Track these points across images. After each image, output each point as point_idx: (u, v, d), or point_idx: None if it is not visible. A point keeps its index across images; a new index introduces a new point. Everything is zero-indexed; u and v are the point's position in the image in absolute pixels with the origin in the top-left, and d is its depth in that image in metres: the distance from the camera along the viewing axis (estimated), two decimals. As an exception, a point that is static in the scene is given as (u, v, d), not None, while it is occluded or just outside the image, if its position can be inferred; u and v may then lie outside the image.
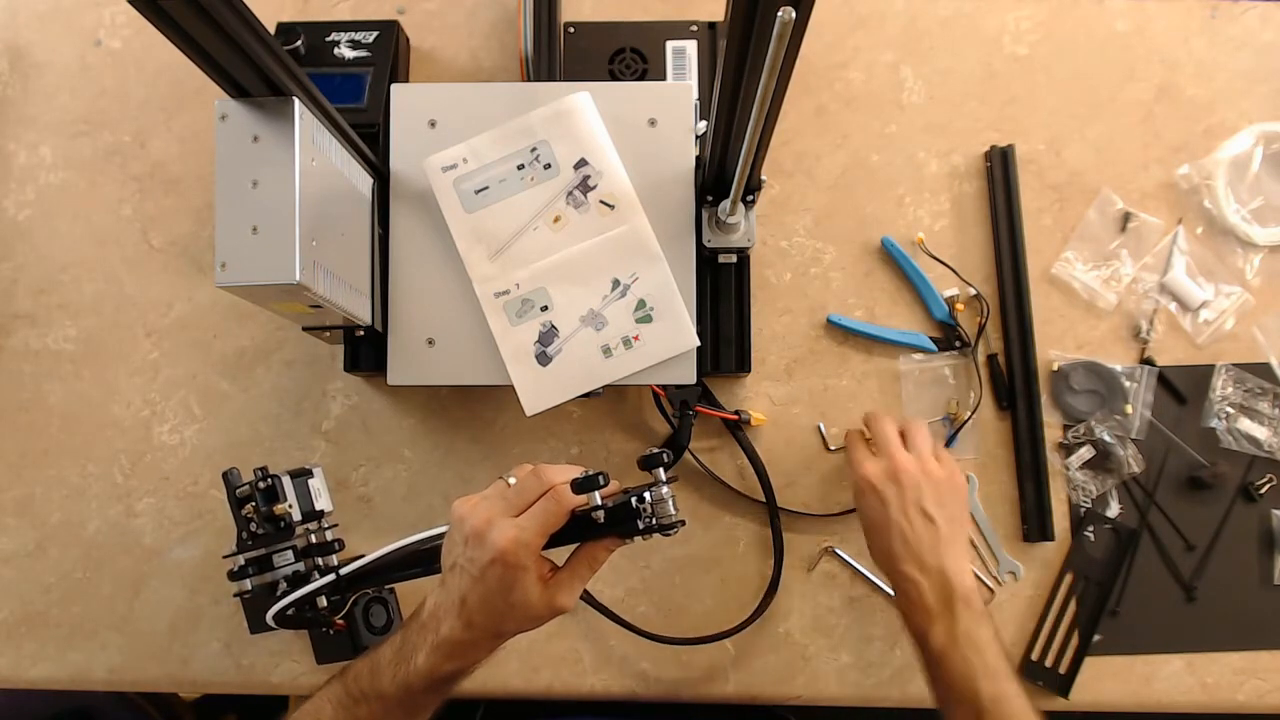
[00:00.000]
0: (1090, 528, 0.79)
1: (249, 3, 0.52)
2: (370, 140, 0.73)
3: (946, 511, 0.66)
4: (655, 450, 0.55)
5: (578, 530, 0.56)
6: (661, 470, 0.55)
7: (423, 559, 0.63)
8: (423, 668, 0.55)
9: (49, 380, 0.83)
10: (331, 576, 0.66)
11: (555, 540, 0.56)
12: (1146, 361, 0.81)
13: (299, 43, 0.79)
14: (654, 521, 0.54)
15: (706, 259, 0.75)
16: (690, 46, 0.84)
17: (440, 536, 0.60)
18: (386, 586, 0.76)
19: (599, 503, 0.55)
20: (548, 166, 0.73)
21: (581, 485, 0.54)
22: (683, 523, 0.55)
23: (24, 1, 0.88)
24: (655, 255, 0.73)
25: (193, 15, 0.49)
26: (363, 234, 0.71)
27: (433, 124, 0.74)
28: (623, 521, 0.55)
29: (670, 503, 0.54)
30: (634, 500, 0.54)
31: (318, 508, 0.70)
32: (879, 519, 0.67)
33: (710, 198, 0.73)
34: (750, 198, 0.72)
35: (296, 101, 0.58)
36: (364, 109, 0.77)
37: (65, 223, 0.85)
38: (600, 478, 0.54)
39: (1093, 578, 0.78)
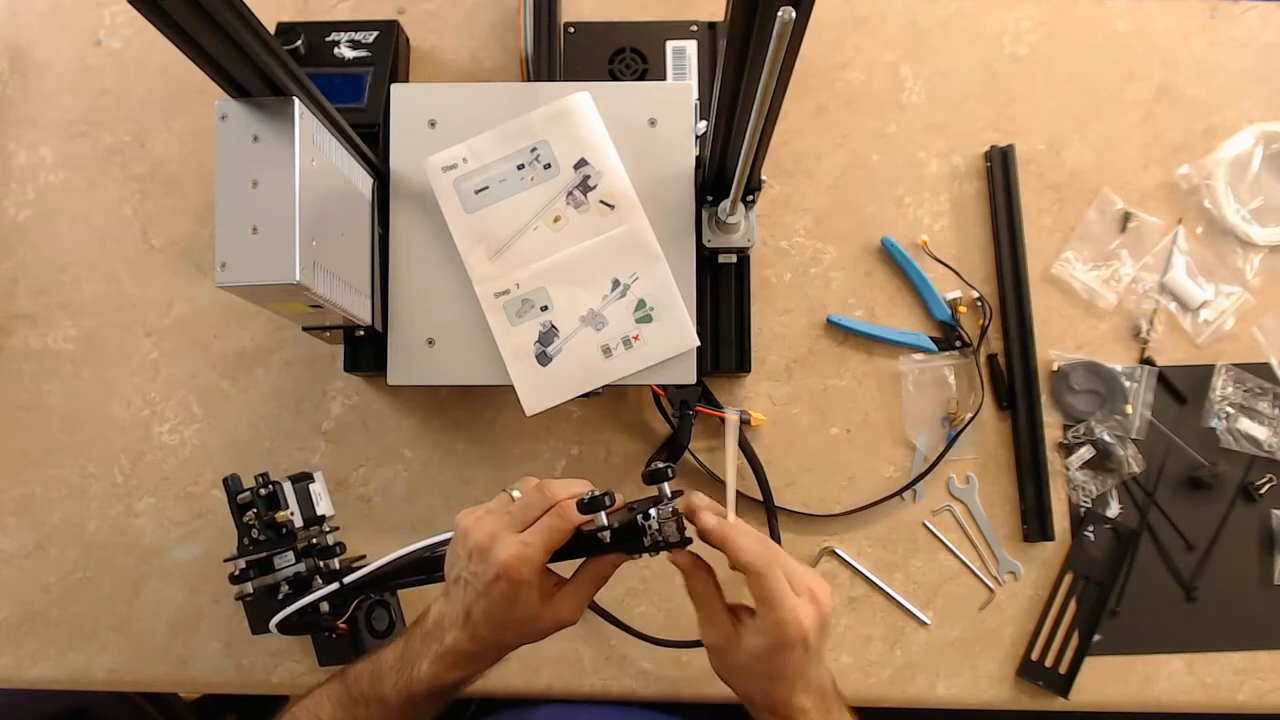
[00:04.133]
0: (1090, 528, 0.79)
1: (249, 3, 0.52)
2: (370, 140, 0.73)
3: None
4: (659, 465, 0.54)
5: (582, 546, 0.56)
6: (666, 486, 0.54)
7: (426, 566, 0.62)
8: (426, 676, 0.55)
9: (49, 380, 0.83)
10: (335, 585, 0.66)
11: (560, 555, 0.56)
12: (1146, 361, 0.81)
13: (299, 43, 0.79)
14: (660, 540, 0.54)
15: (706, 259, 0.75)
16: (690, 46, 0.84)
17: (444, 543, 0.59)
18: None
19: (604, 523, 0.54)
20: (548, 166, 0.73)
21: (587, 506, 0.54)
22: (690, 540, 0.55)
23: (24, 1, 0.88)
24: (655, 255, 0.73)
25: (193, 15, 0.49)
26: (363, 234, 0.71)
27: (433, 124, 0.74)
28: (628, 540, 0.55)
29: (677, 521, 0.54)
30: (640, 519, 0.54)
31: (319, 513, 0.70)
32: (793, 670, 0.53)
33: (710, 198, 0.73)
34: (750, 198, 0.72)
35: (296, 101, 0.58)
36: (364, 109, 0.77)
37: (65, 223, 0.85)
38: (606, 498, 0.54)
39: (1093, 578, 0.78)
